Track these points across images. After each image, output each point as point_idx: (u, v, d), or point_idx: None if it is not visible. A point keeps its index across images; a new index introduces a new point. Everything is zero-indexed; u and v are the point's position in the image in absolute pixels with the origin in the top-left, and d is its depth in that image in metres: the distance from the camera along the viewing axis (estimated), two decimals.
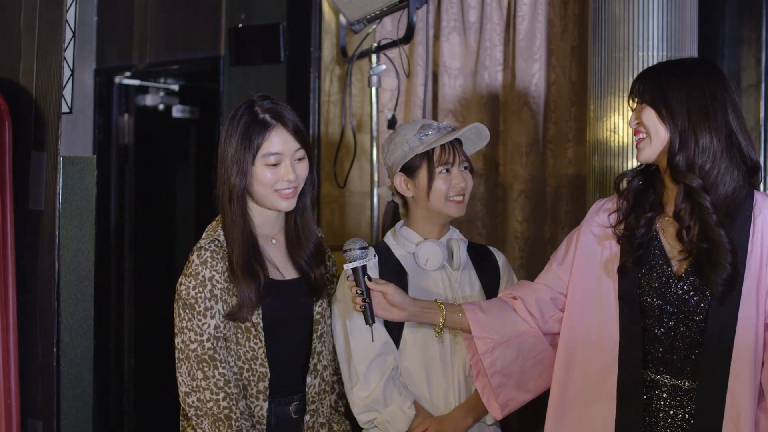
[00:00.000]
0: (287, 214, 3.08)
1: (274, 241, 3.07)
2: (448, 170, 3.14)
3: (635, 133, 2.80)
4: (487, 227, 4.67)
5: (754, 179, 2.75)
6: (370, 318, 2.88)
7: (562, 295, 3.02)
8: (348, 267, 2.87)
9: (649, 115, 2.73)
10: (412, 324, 3.13)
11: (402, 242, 3.23)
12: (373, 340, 3.03)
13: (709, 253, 2.65)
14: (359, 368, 3.10)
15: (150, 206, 5.98)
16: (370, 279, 2.89)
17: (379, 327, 3.09)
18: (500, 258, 3.36)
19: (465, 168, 3.19)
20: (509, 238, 4.58)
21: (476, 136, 3.24)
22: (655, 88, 2.72)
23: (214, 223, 3.03)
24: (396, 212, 3.36)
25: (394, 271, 3.16)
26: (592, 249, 2.95)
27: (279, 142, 2.92)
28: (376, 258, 2.94)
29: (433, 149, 3.14)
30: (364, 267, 2.87)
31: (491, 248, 3.39)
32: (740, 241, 2.67)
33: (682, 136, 2.67)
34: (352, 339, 3.12)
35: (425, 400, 3.16)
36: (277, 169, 2.92)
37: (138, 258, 5.93)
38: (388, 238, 3.29)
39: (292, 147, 2.95)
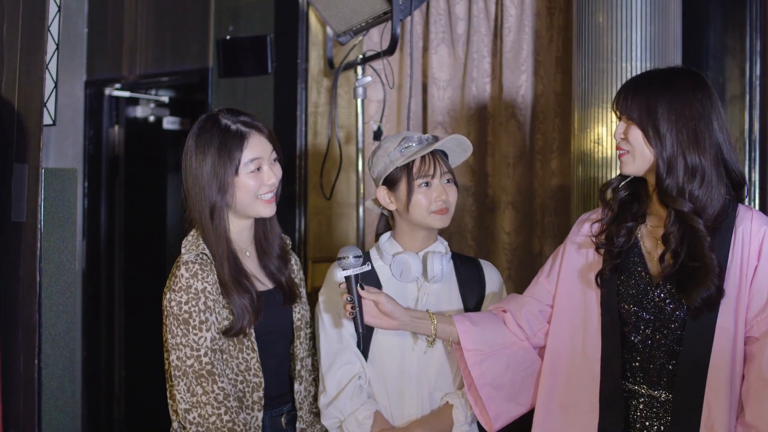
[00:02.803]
0: (256, 222, 3.09)
1: (247, 254, 3.08)
2: (428, 183, 3.12)
3: (618, 147, 2.79)
4: (476, 239, 4.66)
5: (739, 193, 2.74)
6: (360, 326, 2.89)
7: (549, 307, 3.03)
8: (341, 275, 2.88)
9: (636, 135, 2.70)
10: (380, 334, 3.13)
11: (382, 253, 3.23)
12: (361, 347, 3.07)
13: (697, 272, 2.63)
14: (324, 375, 3.13)
15: (140, 218, 5.98)
16: (362, 287, 2.89)
17: (348, 335, 3.11)
18: (490, 273, 3.32)
19: (448, 180, 3.17)
20: (498, 249, 4.57)
21: (459, 147, 3.22)
22: (642, 105, 2.68)
23: (190, 237, 3.01)
24: (387, 223, 3.35)
25: (371, 282, 3.14)
26: (576, 260, 2.97)
27: (258, 146, 2.95)
28: (370, 267, 2.94)
29: (413, 161, 3.13)
30: (357, 275, 2.88)
31: (484, 262, 3.35)
32: (720, 255, 2.66)
33: (671, 160, 2.65)
34: (321, 346, 3.16)
35: (387, 410, 3.16)
36: (259, 175, 2.95)
37: (128, 269, 5.92)
38: (373, 249, 3.30)
39: (268, 150, 2.99)
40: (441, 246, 3.26)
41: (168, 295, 2.90)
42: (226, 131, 2.92)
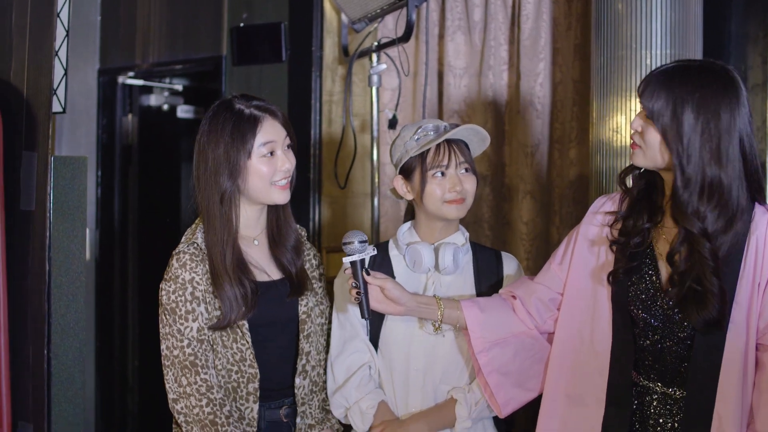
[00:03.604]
0: (268, 212, 3.07)
1: (256, 242, 3.05)
2: (442, 173, 3.07)
3: (631, 137, 2.71)
4: (493, 229, 4.62)
5: (758, 197, 2.64)
6: (366, 312, 2.85)
7: (560, 295, 2.99)
8: (346, 260, 2.85)
9: (652, 136, 2.60)
10: (390, 324, 3.12)
11: (398, 243, 3.20)
12: (367, 335, 3.06)
13: (697, 294, 2.56)
14: (333, 362, 3.13)
15: (154, 207, 5.96)
16: (368, 273, 2.86)
17: (359, 324, 3.10)
18: (509, 265, 3.26)
19: (466, 170, 3.11)
20: (515, 239, 4.52)
21: (476, 137, 3.16)
22: (668, 108, 2.54)
23: (193, 226, 3.02)
24: (413, 212, 3.31)
25: (385, 271, 3.12)
26: (588, 251, 2.91)
27: (271, 130, 2.92)
28: (375, 251, 2.90)
29: (428, 151, 3.08)
30: (362, 261, 2.85)
31: (505, 254, 3.29)
32: (733, 261, 2.58)
33: (690, 174, 2.53)
34: (333, 332, 3.16)
35: (392, 401, 3.15)
36: (272, 161, 2.92)
37: (142, 259, 5.92)
38: (393, 238, 3.27)
39: (282, 135, 2.96)
40: (461, 237, 3.21)
41: (160, 285, 2.91)
42: (240, 115, 2.89)
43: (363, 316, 2.86)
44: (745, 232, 2.59)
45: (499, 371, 2.96)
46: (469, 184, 3.11)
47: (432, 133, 3.10)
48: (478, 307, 2.97)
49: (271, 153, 2.91)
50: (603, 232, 2.87)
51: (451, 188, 3.06)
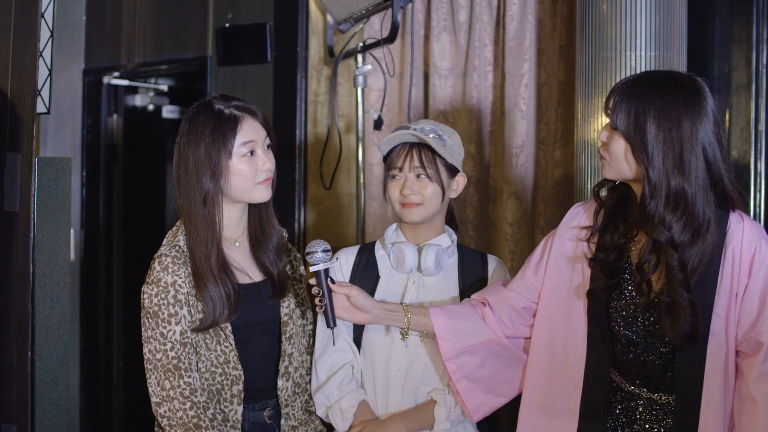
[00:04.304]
0: (250, 212, 3.06)
1: (237, 244, 3.04)
2: (396, 175, 3.12)
3: (599, 149, 2.71)
4: (477, 230, 4.61)
5: (733, 205, 2.65)
6: (331, 321, 2.88)
7: (534, 304, 2.97)
8: (311, 269, 2.88)
9: (616, 147, 2.62)
10: (372, 326, 3.12)
11: (384, 243, 3.23)
12: (334, 344, 3.06)
13: (670, 307, 2.57)
14: (317, 361, 3.14)
15: (139, 207, 5.95)
16: (333, 281, 2.88)
17: (342, 323, 3.07)
18: (493, 269, 3.26)
19: (422, 175, 3.09)
20: (500, 240, 4.52)
21: (438, 143, 3.12)
22: (630, 118, 2.56)
23: (174, 229, 3.01)
24: None
25: (371, 271, 3.17)
26: (565, 265, 2.90)
27: (251, 130, 2.92)
28: (339, 261, 2.95)
29: (392, 152, 3.14)
30: (326, 270, 2.87)
31: (491, 258, 3.29)
32: (710, 274, 2.59)
33: (656, 183, 2.55)
34: (317, 332, 3.17)
35: (373, 402, 3.15)
36: (253, 161, 2.92)
37: (127, 259, 5.90)
38: (380, 238, 3.29)
39: (262, 134, 2.95)
40: (446, 239, 3.21)
41: (143, 288, 2.90)
42: (220, 115, 2.89)
43: (328, 326, 2.89)
44: (720, 242, 2.59)
45: (468, 378, 2.96)
46: (425, 189, 3.08)
47: (399, 134, 3.14)
48: (447, 314, 2.97)
49: (251, 153, 2.91)
50: (578, 247, 2.86)
51: (402, 191, 3.08)
